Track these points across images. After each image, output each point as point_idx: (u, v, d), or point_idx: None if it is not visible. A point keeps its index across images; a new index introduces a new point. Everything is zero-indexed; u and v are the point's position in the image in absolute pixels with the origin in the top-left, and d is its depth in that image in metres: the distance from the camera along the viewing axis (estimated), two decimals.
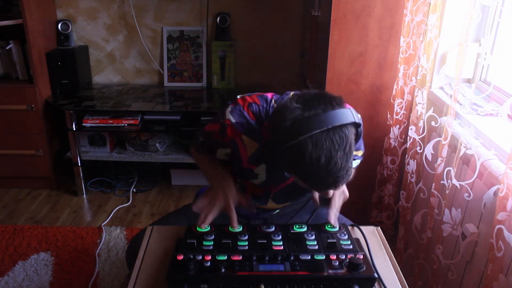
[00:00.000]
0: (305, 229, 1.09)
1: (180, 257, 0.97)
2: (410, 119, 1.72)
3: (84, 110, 2.47)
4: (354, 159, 1.27)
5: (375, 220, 2.07)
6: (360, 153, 1.33)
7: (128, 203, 2.60)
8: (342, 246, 1.02)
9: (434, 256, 1.51)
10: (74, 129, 2.49)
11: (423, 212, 1.63)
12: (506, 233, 1.08)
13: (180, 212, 1.38)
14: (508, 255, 1.11)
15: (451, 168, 1.39)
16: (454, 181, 1.37)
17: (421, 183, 1.67)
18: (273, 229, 1.09)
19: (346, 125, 0.89)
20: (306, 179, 0.93)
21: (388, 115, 1.90)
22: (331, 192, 1.07)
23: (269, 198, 1.29)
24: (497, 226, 1.10)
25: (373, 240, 1.14)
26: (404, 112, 1.80)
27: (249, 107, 1.12)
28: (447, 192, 1.42)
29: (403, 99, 1.79)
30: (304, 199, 1.37)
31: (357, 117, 0.93)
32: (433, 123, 1.60)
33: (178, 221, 1.30)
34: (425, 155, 1.58)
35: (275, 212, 1.39)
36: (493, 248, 1.12)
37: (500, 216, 1.09)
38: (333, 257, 0.98)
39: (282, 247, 1.01)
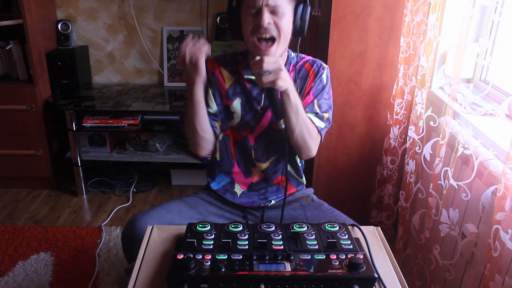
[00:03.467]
0: (305, 228, 1.09)
1: (180, 257, 0.97)
2: (410, 119, 1.73)
3: (84, 110, 2.47)
4: (317, 115, 1.32)
5: (375, 220, 2.08)
6: (326, 115, 1.35)
7: (128, 203, 2.60)
8: (342, 245, 1.02)
9: (432, 256, 1.51)
10: (74, 129, 2.49)
11: (421, 212, 1.63)
12: (502, 233, 1.08)
13: (180, 200, 1.41)
14: (504, 255, 1.11)
15: (448, 168, 1.39)
16: (452, 181, 1.37)
17: (419, 183, 1.67)
18: (273, 228, 1.09)
19: None
20: None
21: (388, 115, 1.90)
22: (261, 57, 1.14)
23: (252, 158, 1.38)
24: (495, 226, 1.11)
25: (373, 240, 1.14)
26: (404, 112, 1.81)
27: (227, 52, 1.38)
28: (444, 192, 1.42)
29: (403, 99, 1.79)
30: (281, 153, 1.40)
31: None
32: (431, 123, 1.60)
33: (177, 207, 1.36)
34: (424, 155, 1.58)
35: (270, 204, 1.42)
36: (491, 248, 1.12)
37: (499, 216, 1.10)
38: (333, 256, 0.98)
39: (282, 247, 1.01)
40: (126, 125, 2.50)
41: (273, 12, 1.18)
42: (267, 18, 1.18)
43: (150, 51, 2.81)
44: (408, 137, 1.74)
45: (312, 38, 2.22)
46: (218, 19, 2.69)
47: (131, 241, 1.26)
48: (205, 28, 2.74)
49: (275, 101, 1.19)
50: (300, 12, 1.23)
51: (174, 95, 2.69)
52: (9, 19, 2.39)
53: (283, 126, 1.23)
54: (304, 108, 1.30)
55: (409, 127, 1.72)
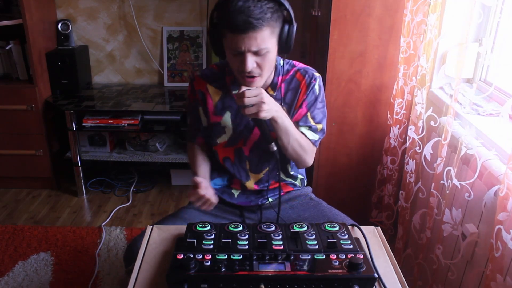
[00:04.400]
0: (305, 228, 1.09)
1: (180, 257, 0.97)
2: (410, 119, 1.73)
3: (84, 110, 2.47)
4: (311, 128, 1.31)
5: (375, 220, 2.07)
6: (320, 126, 1.33)
7: (128, 203, 2.60)
8: (342, 245, 1.02)
9: (434, 256, 1.51)
10: (74, 129, 2.49)
11: (422, 212, 1.63)
12: (504, 233, 1.08)
13: (175, 217, 1.37)
14: (506, 255, 1.11)
15: (451, 168, 1.39)
16: (455, 181, 1.37)
17: (420, 183, 1.67)
18: (273, 228, 1.09)
19: None
20: (223, 13, 1.10)
21: (388, 115, 1.90)
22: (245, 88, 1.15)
23: (247, 169, 1.37)
24: (497, 226, 1.10)
25: (373, 240, 1.14)
26: (404, 112, 1.81)
27: (214, 63, 1.36)
28: (447, 192, 1.42)
29: (403, 99, 1.79)
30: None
31: None
32: (432, 123, 1.60)
33: (177, 223, 1.32)
34: (424, 155, 1.58)
35: (267, 202, 1.41)
36: (493, 248, 1.12)
37: (501, 216, 1.09)
38: (333, 256, 0.98)
39: (282, 247, 1.01)
40: (126, 125, 2.50)
41: (256, 53, 1.13)
42: (250, 64, 1.12)
43: (150, 51, 2.81)
44: (408, 137, 1.74)
45: (312, 38, 2.22)
46: None
47: (133, 262, 1.25)
48: (205, 28, 2.74)
49: (263, 127, 1.20)
50: (285, 36, 1.17)
51: (174, 95, 2.69)
52: (9, 19, 2.39)
53: (274, 148, 1.23)
54: (298, 121, 1.29)
55: (409, 127, 1.72)
